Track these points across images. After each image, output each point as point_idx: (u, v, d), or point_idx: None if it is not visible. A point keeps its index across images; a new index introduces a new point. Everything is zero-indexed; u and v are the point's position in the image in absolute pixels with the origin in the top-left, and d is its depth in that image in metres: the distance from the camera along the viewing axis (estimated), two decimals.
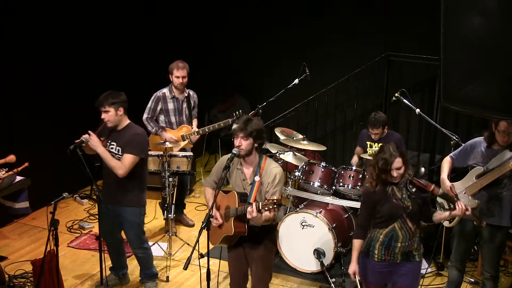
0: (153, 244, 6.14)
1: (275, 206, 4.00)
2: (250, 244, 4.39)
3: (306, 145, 6.08)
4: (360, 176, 5.81)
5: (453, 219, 4.77)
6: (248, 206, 4.10)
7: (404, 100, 6.06)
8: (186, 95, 6.29)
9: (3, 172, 5.29)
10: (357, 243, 4.23)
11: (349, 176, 5.82)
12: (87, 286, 5.49)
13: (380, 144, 6.04)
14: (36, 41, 6.62)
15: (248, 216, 4.10)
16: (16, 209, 5.67)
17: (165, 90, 6.24)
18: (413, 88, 6.91)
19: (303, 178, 5.92)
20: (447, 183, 4.82)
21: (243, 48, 8.38)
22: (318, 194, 5.87)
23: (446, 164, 4.90)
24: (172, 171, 5.78)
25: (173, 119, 6.28)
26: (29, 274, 5.45)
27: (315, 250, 5.59)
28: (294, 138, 6.26)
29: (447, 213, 4.06)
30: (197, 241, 4.02)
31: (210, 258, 4.25)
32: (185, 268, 3.95)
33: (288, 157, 6.05)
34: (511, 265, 5.81)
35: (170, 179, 5.77)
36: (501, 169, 4.51)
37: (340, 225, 5.75)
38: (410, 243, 4.09)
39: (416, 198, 4.04)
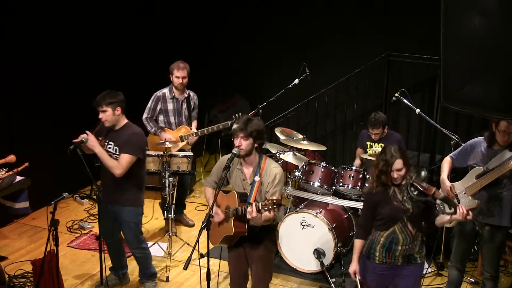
0: (153, 244, 6.15)
1: (275, 206, 4.00)
2: (250, 244, 4.39)
3: (306, 145, 6.08)
4: (360, 176, 5.80)
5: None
6: (248, 206, 4.10)
7: (404, 100, 6.06)
8: (186, 96, 6.28)
9: (3, 172, 5.29)
10: (357, 243, 4.24)
11: (349, 176, 5.82)
12: (87, 286, 5.49)
13: (380, 144, 6.06)
14: (36, 41, 6.62)
15: (248, 216, 4.10)
16: (16, 209, 5.67)
17: (165, 90, 6.24)
18: (413, 88, 6.92)
19: (303, 178, 5.91)
20: (447, 183, 4.82)
21: (243, 48, 8.38)
22: (318, 194, 5.87)
23: (446, 164, 4.90)
24: (172, 171, 5.78)
25: (172, 119, 6.27)
26: (29, 274, 5.45)
27: (315, 250, 5.59)
28: (294, 138, 6.25)
29: (448, 217, 4.03)
30: (197, 241, 4.02)
31: (210, 258, 4.25)
32: (185, 268, 3.95)
33: (288, 157, 6.05)
34: (511, 265, 5.81)
35: (170, 179, 5.77)
36: (501, 169, 4.51)
37: (340, 225, 5.75)
38: (411, 246, 4.08)
39: (418, 201, 4.02)
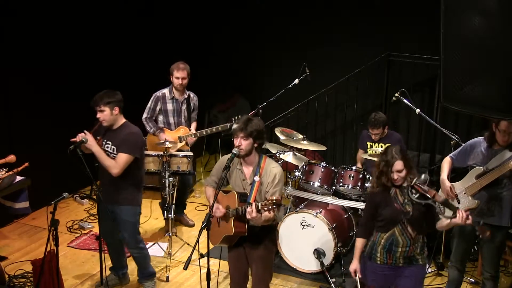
0: (153, 244, 6.16)
1: (275, 206, 4.00)
2: (250, 244, 4.39)
3: (306, 145, 6.08)
4: (360, 176, 5.81)
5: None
6: (247, 206, 4.10)
7: (404, 100, 6.06)
8: (186, 97, 6.27)
9: (3, 172, 5.29)
10: (358, 242, 4.26)
11: (349, 176, 5.82)
12: (87, 286, 5.49)
13: (380, 144, 6.07)
14: (36, 41, 6.62)
15: (248, 216, 4.10)
16: (16, 209, 5.67)
17: (165, 91, 6.23)
18: (413, 88, 6.92)
19: (303, 178, 5.91)
20: (447, 183, 4.82)
21: (243, 48, 8.38)
22: (318, 194, 5.87)
23: (446, 165, 4.90)
24: (172, 171, 5.78)
25: (171, 120, 6.27)
26: (29, 274, 5.45)
27: (315, 250, 5.59)
28: (294, 138, 6.25)
29: (447, 221, 4.00)
30: (197, 241, 4.02)
31: (210, 258, 4.26)
32: (185, 268, 3.95)
33: (288, 157, 6.05)
34: (511, 265, 5.81)
35: (170, 179, 5.77)
36: (500, 169, 4.51)
37: (340, 225, 5.75)
38: (411, 249, 4.07)
39: (418, 204, 4.01)
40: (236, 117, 5.77)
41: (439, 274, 5.69)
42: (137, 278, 5.42)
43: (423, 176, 4.01)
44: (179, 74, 6.10)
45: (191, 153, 5.97)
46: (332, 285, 5.44)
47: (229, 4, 8.37)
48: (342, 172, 5.86)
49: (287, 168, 6.41)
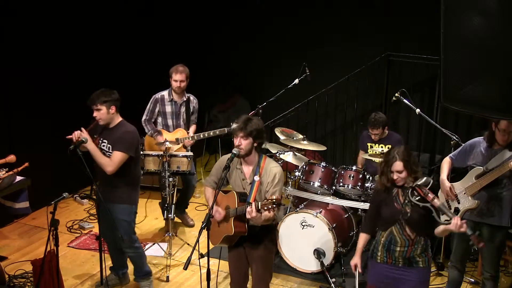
0: (153, 244, 6.16)
1: (275, 205, 4.00)
2: (250, 244, 4.39)
3: (306, 145, 6.08)
4: (360, 176, 5.81)
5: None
6: (247, 206, 4.10)
7: (404, 100, 6.06)
8: (185, 99, 6.24)
9: (3, 172, 5.29)
10: (361, 236, 4.30)
11: (349, 176, 5.82)
12: (87, 286, 5.49)
13: (381, 145, 6.08)
14: (36, 41, 6.62)
15: (248, 216, 4.10)
16: (16, 209, 5.66)
17: (165, 93, 6.21)
18: (413, 88, 6.92)
19: (303, 178, 5.91)
20: (446, 183, 4.82)
21: (243, 48, 8.38)
22: (318, 194, 5.87)
23: (445, 165, 4.90)
24: (172, 171, 5.78)
25: (170, 122, 6.25)
26: (29, 274, 5.45)
27: (315, 250, 5.59)
28: (294, 138, 6.25)
29: (442, 227, 3.97)
30: (197, 241, 4.02)
31: (210, 258, 4.26)
32: (185, 268, 3.95)
33: (288, 157, 6.05)
34: (511, 265, 5.81)
35: (170, 179, 5.76)
36: (500, 169, 4.51)
37: (340, 225, 5.75)
38: (410, 249, 4.05)
39: (416, 206, 3.99)
40: (233, 123, 5.74)
41: (439, 274, 5.69)
42: (134, 277, 5.41)
43: (425, 178, 4.00)
44: (178, 77, 6.08)
45: (191, 153, 5.97)
46: (332, 285, 5.44)
47: (229, 4, 8.37)
48: (342, 172, 5.86)
49: (287, 168, 6.41)
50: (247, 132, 4.17)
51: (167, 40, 8.03)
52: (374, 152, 6.07)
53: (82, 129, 4.85)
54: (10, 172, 5.33)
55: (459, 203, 4.78)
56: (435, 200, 3.92)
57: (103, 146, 4.97)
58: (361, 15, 7.56)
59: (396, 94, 6.11)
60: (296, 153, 6.14)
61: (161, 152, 5.74)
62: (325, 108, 7.64)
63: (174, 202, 5.97)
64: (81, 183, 7.29)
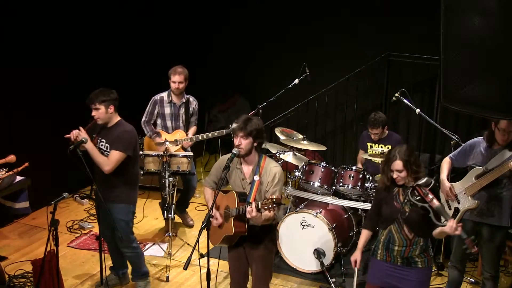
0: (153, 244, 6.16)
1: (275, 205, 4.00)
2: (250, 244, 4.39)
3: (306, 145, 6.08)
4: (360, 176, 5.81)
5: (453, 218, 4.77)
6: (247, 206, 4.10)
7: (404, 100, 6.06)
8: (185, 101, 6.23)
9: (3, 172, 5.29)
10: (363, 233, 4.33)
11: (349, 176, 5.82)
12: (87, 286, 5.49)
13: (380, 145, 6.08)
14: (36, 41, 6.62)
15: (248, 215, 4.10)
16: (16, 209, 5.66)
17: (164, 94, 6.20)
18: (413, 88, 6.92)
19: (303, 178, 5.91)
20: (446, 183, 4.82)
21: (243, 48, 8.38)
22: (318, 194, 5.87)
23: (445, 165, 4.90)
24: (172, 171, 5.78)
25: (169, 123, 6.24)
26: (29, 274, 5.45)
27: (315, 250, 5.59)
28: (294, 138, 6.25)
29: (439, 229, 3.96)
30: (197, 241, 4.02)
31: (210, 258, 4.26)
32: (185, 268, 3.95)
33: (288, 157, 6.05)
34: (511, 265, 5.81)
35: (170, 179, 5.76)
36: (500, 169, 4.51)
37: (340, 225, 5.75)
38: (408, 249, 4.05)
39: (415, 205, 3.99)
40: (231, 126, 5.74)
41: (439, 274, 5.68)
42: (131, 277, 5.41)
43: (425, 179, 4.00)
44: (176, 78, 6.06)
45: (191, 153, 5.96)
46: (332, 285, 5.44)
47: (229, 4, 8.37)
48: (342, 172, 5.86)
49: (287, 168, 6.41)
50: (247, 131, 4.17)
51: (167, 40, 8.03)
52: (374, 152, 6.08)
53: (81, 128, 4.85)
54: (10, 172, 5.34)
55: (459, 203, 4.79)
56: (434, 201, 3.92)
57: (101, 145, 4.97)
58: (361, 15, 7.56)
59: (396, 94, 6.11)
60: (296, 153, 6.14)
61: (161, 152, 5.74)
62: (325, 108, 7.64)
63: (174, 202, 5.96)
64: (81, 183, 7.29)
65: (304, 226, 5.65)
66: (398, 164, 4.00)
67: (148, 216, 6.84)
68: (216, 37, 8.56)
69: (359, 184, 5.79)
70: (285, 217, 5.72)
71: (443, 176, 4.85)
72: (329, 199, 5.81)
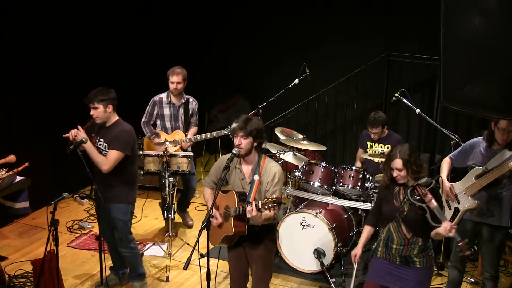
0: (153, 244, 6.16)
1: (275, 204, 4.00)
2: (250, 243, 4.39)
3: (306, 145, 6.08)
4: (360, 176, 5.81)
5: (453, 218, 4.77)
6: (247, 205, 4.10)
7: (404, 100, 6.06)
8: (184, 101, 6.22)
9: (3, 172, 5.29)
10: (365, 228, 4.35)
11: (349, 176, 5.82)
12: (87, 286, 5.49)
13: (380, 145, 6.08)
14: (36, 41, 6.62)
15: (248, 215, 4.10)
16: (16, 209, 5.67)
17: (163, 95, 6.20)
18: (413, 88, 6.92)
19: (303, 178, 5.91)
20: (446, 183, 4.82)
21: (243, 48, 8.38)
22: (318, 194, 5.87)
23: (445, 165, 4.90)
24: (172, 171, 5.78)
25: (168, 124, 6.23)
26: (29, 274, 5.45)
27: (315, 250, 5.59)
28: (294, 138, 6.25)
29: (435, 230, 3.95)
30: (197, 241, 4.02)
31: (210, 258, 4.26)
32: (185, 268, 3.95)
33: (288, 157, 6.05)
34: (511, 265, 5.81)
35: (170, 179, 5.76)
36: (500, 169, 4.51)
37: (340, 225, 5.76)
38: (406, 249, 4.05)
39: (413, 205, 3.99)
40: (229, 127, 5.74)
41: (439, 274, 5.69)
42: (128, 277, 5.41)
43: (426, 179, 4.00)
44: (174, 79, 6.05)
45: (191, 153, 5.96)
46: (332, 285, 5.44)
47: (229, 4, 8.37)
48: (342, 172, 5.86)
49: (287, 168, 6.41)
50: (247, 131, 4.17)
51: (167, 40, 8.03)
52: (373, 151, 6.08)
53: (79, 127, 4.85)
54: (10, 172, 5.34)
55: (459, 203, 4.79)
56: (432, 201, 3.92)
57: (100, 144, 4.97)
58: (361, 15, 7.56)
59: (396, 94, 6.11)
60: (296, 153, 6.14)
61: (161, 152, 5.74)
62: (325, 108, 7.64)
63: (174, 202, 5.96)
64: (81, 183, 7.29)
65: (304, 226, 5.65)
66: (398, 162, 4.01)
67: (148, 216, 6.84)
68: (216, 37, 8.56)
69: (359, 184, 5.79)
70: (285, 217, 5.72)
71: (443, 176, 4.85)
72: (329, 199, 5.81)
